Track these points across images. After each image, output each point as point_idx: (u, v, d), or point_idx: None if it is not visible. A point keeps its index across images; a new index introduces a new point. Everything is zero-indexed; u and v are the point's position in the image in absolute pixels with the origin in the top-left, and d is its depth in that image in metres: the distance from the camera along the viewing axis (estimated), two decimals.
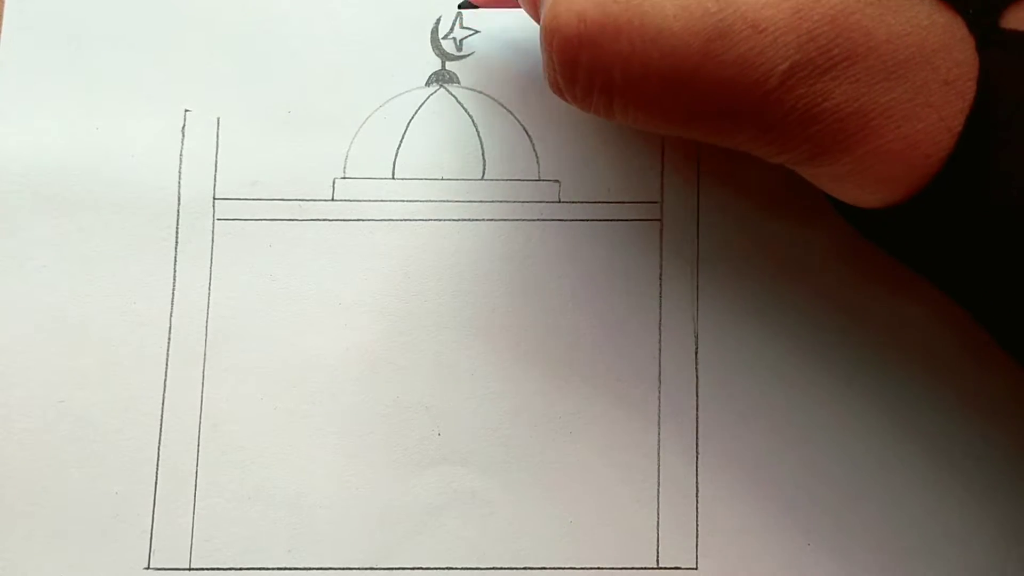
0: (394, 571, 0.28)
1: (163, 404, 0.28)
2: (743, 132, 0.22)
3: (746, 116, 0.21)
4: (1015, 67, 0.20)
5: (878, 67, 0.20)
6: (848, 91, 0.20)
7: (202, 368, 0.28)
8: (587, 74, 0.22)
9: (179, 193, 0.29)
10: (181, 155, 0.30)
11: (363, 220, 0.29)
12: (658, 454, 0.28)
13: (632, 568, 0.28)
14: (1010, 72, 0.20)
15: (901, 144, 0.20)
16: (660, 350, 0.28)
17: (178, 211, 0.29)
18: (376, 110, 0.30)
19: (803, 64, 0.20)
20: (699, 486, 0.28)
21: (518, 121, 0.30)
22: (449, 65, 0.30)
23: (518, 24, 0.30)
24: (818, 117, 0.20)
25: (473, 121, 0.30)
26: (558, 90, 0.23)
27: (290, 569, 0.28)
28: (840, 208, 0.24)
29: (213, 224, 0.29)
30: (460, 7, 0.30)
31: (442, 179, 0.29)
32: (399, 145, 0.30)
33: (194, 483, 0.28)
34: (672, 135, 0.28)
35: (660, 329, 0.29)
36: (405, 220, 0.29)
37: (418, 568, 0.28)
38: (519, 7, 0.27)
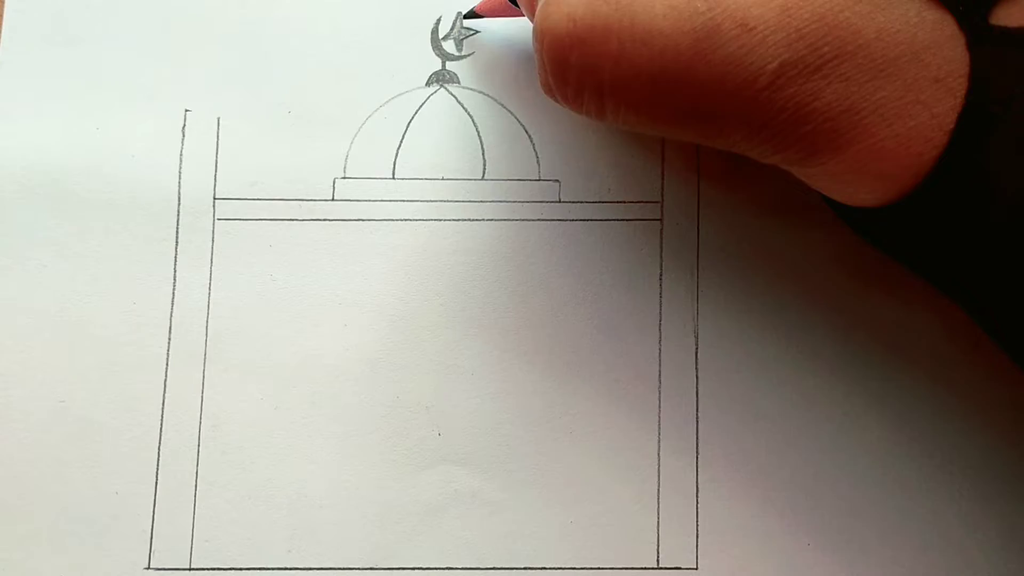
0: (394, 571, 0.28)
1: (163, 404, 0.28)
2: (735, 132, 0.21)
3: (737, 116, 0.21)
4: (1006, 64, 0.20)
5: (868, 65, 0.20)
6: (838, 89, 0.20)
7: (202, 368, 0.28)
8: (577, 75, 0.21)
9: (179, 193, 0.29)
10: (181, 155, 0.29)
11: (363, 220, 0.29)
12: (658, 454, 0.28)
13: (632, 568, 0.28)
14: (1001, 69, 0.20)
15: (893, 143, 0.20)
16: (660, 350, 0.28)
17: (178, 211, 0.29)
18: (376, 110, 0.30)
19: (793, 63, 0.20)
20: (699, 486, 0.28)
21: (518, 121, 0.30)
22: (449, 65, 0.30)
23: (518, 24, 0.30)
24: (809, 116, 0.20)
25: (473, 121, 0.30)
26: (549, 91, 0.23)
27: (290, 569, 0.28)
28: (835, 207, 0.24)
29: (213, 224, 0.29)
30: (465, 16, 0.30)
31: (442, 179, 0.29)
32: (399, 145, 0.30)
33: (194, 483, 0.28)
34: (665, 136, 0.28)
35: (660, 329, 0.29)
36: (405, 220, 0.29)
37: (418, 568, 0.28)
38: (521, 16, 0.27)
